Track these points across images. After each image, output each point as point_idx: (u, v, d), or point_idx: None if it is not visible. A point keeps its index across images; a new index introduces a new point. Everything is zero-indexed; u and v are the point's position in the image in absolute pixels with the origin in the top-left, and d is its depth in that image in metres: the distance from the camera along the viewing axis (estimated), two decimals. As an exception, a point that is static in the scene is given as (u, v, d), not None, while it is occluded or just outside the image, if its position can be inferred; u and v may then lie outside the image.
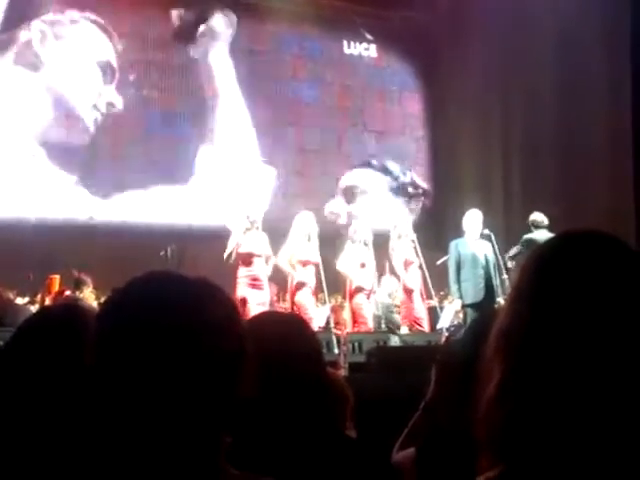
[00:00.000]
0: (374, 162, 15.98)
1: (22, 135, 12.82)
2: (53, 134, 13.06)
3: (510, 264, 9.28)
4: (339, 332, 9.38)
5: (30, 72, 13.00)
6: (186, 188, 13.97)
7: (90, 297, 9.52)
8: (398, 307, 10.70)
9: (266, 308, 8.77)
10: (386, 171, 16.03)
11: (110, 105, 13.55)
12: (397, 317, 10.34)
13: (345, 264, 9.51)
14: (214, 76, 14.59)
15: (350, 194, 15.62)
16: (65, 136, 13.16)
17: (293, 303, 9.03)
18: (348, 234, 9.81)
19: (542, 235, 8.79)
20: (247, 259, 8.78)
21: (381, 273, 10.45)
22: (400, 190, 16.03)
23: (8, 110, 12.79)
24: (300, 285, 9.05)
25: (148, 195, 13.56)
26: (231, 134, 14.49)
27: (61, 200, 12.98)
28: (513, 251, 9.38)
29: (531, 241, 8.89)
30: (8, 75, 12.89)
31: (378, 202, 15.67)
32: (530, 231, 9.25)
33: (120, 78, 13.80)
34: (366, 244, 9.63)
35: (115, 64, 13.77)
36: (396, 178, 16.06)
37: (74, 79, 13.25)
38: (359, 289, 9.51)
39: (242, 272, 8.73)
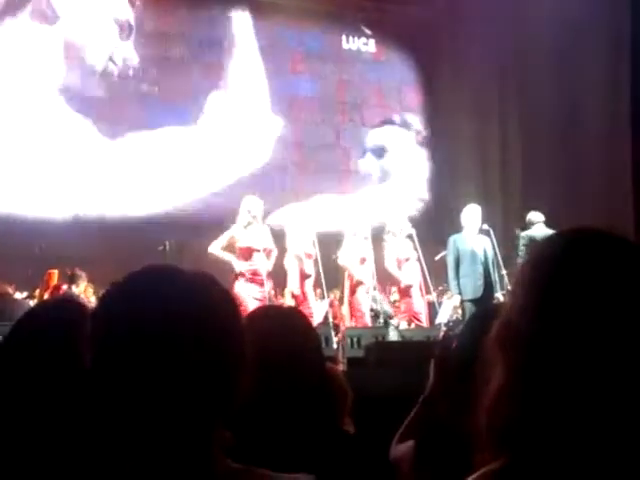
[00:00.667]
0: (395, 118, 16.03)
1: (41, 87, 12.88)
2: (71, 85, 13.13)
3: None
4: (338, 327, 9.39)
5: (46, 26, 13.06)
6: (196, 128, 13.99)
7: (88, 291, 9.53)
8: (394, 302, 10.72)
9: (265, 303, 8.77)
10: (407, 125, 16.11)
11: (126, 60, 13.63)
12: (389, 308, 10.32)
13: (346, 258, 9.51)
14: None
15: (379, 151, 15.69)
16: (81, 87, 13.21)
17: (297, 296, 9.04)
18: (348, 229, 9.79)
19: (540, 231, 8.82)
20: (247, 253, 8.76)
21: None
22: (423, 142, 16.13)
23: (26, 64, 12.85)
24: (301, 279, 9.08)
25: (160, 135, 13.62)
26: (243, 83, 14.57)
27: (60, 196, 12.96)
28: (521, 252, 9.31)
29: (531, 239, 8.91)
30: (25, 31, 12.95)
31: (406, 156, 15.76)
32: (526, 228, 9.26)
33: (137, 35, 13.84)
34: (366, 238, 9.63)
35: (132, 21, 13.80)
36: (418, 132, 16.13)
37: (90, 32, 13.33)
38: (359, 283, 9.51)
39: (241, 266, 8.72)
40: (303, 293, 9.08)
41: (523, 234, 9.18)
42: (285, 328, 2.01)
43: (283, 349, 1.94)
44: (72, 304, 2.07)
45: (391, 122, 16.12)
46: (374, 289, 9.79)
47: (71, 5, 13.37)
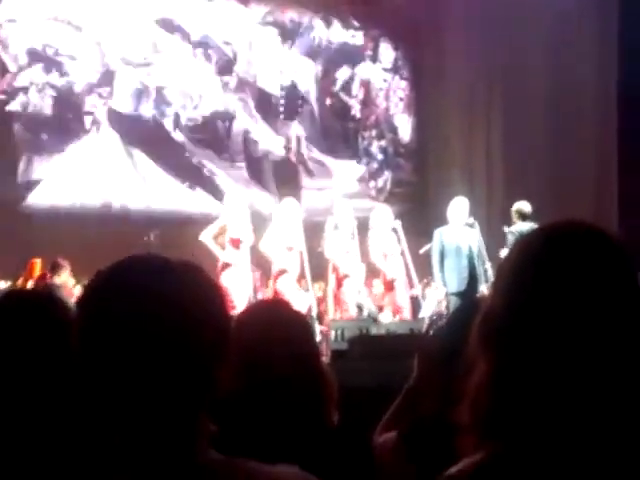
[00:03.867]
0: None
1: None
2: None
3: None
4: (322, 319, 9.40)
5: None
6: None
7: (69, 281, 9.48)
8: (376, 295, 10.72)
9: (249, 294, 8.77)
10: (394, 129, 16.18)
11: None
12: (374, 308, 10.33)
13: (331, 251, 9.49)
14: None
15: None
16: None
17: (275, 290, 9.03)
18: (332, 221, 9.78)
19: (528, 226, 8.79)
20: (235, 244, 8.78)
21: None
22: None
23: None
24: (282, 271, 9.05)
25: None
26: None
27: (43, 185, 12.90)
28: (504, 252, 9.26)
29: (521, 233, 8.82)
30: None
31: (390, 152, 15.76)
32: (513, 222, 9.24)
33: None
34: (350, 230, 9.63)
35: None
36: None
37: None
38: (345, 276, 9.51)
39: (228, 257, 8.72)
40: (284, 284, 9.07)
41: (512, 229, 9.13)
42: (276, 323, 2.01)
43: (275, 343, 1.95)
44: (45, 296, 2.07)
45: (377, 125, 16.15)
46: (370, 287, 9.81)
47: None
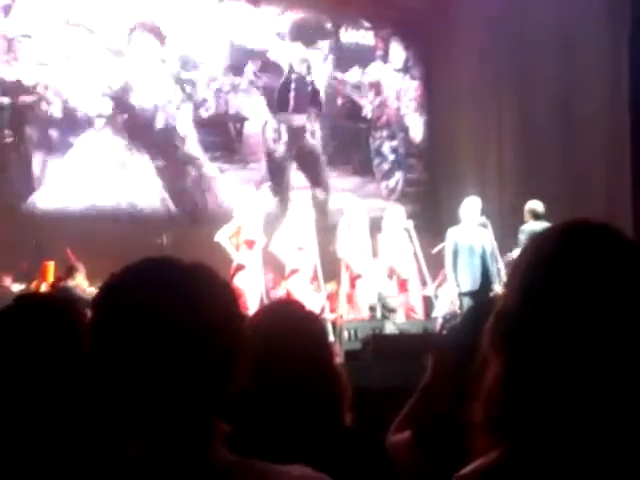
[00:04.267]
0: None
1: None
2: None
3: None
4: (335, 319, 9.40)
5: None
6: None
7: (83, 283, 9.51)
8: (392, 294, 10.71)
9: (262, 295, 8.78)
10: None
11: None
12: (392, 300, 10.33)
13: (344, 250, 9.49)
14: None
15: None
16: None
17: (287, 290, 9.04)
18: (345, 220, 9.77)
19: (543, 226, 8.69)
20: (249, 245, 8.79)
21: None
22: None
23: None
24: (294, 271, 9.06)
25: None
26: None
27: (55, 188, 12.95)
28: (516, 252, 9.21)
29: (533, 232, 8.76)
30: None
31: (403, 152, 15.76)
32: (526, 221, 9.20)
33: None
34: (363, 230, 9.62)
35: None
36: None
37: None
38: (358, 276, 9.51)
39: (242, 258, 8.73)
40: (298, 285, 9.08)
41: (524, 228, 9.08)
42: (292, 324, 2.02)
43: (289, 345, 1.95)
44: (61, 300, 2.07)
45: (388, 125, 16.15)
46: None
47: None
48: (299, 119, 15.20)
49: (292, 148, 15.00)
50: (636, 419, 1.06)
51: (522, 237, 8.99)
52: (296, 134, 15.07)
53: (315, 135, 15.28)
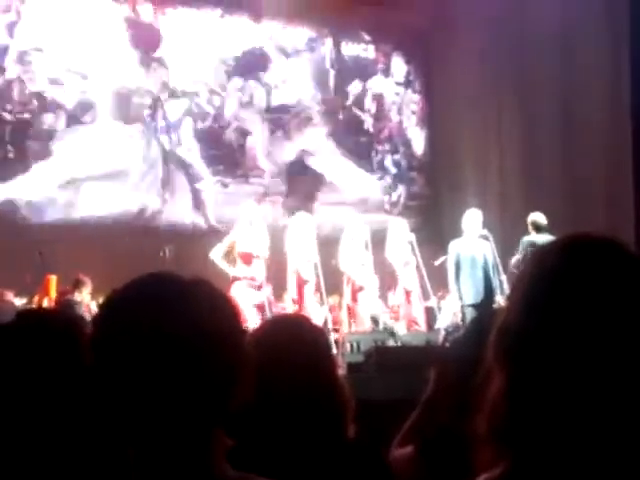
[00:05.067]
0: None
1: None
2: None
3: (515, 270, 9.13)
4: (337, 332, 9.39)
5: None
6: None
7: (86, 298, 9.49)
8: (393, 307, 10.71)
9: (264, 309, 8.77)
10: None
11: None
12: (390, 320, 10.33)
13: (346, 264, 9.50)
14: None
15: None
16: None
17: (297, 301, 9.04)
18: (347, 234, 9.78)
19: (545, 239, 8.67)
20: (246, 258, 8.78)
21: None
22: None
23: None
24: (300, 285, 9.08)
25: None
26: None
27: (61, 200, 12.97)
28: (515, 259, 9.20)
29: (533, 244, 8.75)
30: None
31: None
32: (529, 233, 9.18)
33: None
34: (365, 244, 9.64)
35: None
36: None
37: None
38: (360, 288, 9.52)
39: (240, 272, 8.72)
40: (302, 298, 9.08)
41: (524, 239, 9.08)
42: (296, 337, 2.01)
43: (293, 359, 1.95)
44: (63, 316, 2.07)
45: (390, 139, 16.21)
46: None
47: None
48: (299, 138, 15.25)
49: (291, 165, 15.06)
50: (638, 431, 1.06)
51: (520, 247, 9.02)
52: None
53: (314, 155, 15.31)
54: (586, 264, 1.13)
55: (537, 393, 1.09)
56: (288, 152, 15.15)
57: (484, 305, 8.79)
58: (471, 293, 9.08)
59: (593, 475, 1.06)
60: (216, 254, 8.77)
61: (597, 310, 1.08)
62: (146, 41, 13.96)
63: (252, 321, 8.05)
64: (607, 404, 1.06)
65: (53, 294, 9.79)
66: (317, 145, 15.42)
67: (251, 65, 14.96)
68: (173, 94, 14.19)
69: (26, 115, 13.02)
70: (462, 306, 9.15)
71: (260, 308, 8.74)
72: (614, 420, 1.06)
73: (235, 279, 8.69)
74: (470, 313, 8.90)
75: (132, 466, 1.22)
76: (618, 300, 1.09)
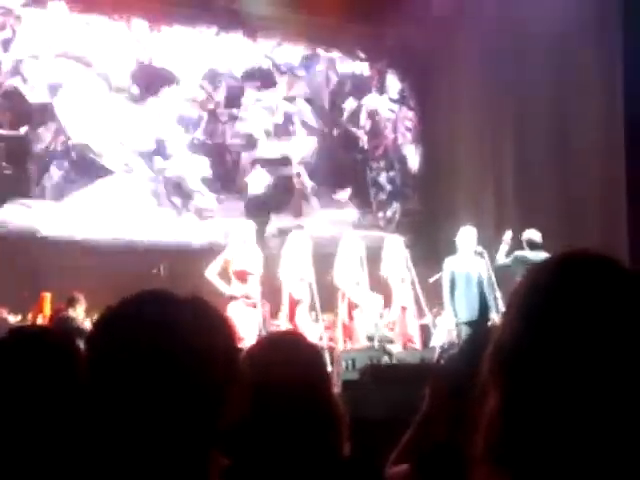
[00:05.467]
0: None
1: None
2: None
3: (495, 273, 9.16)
4: (332, 349, 9.36)
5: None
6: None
7: (81, 315, 9.46)
8: (388, 325, 10.71)
9: (259, 327, 8.75)
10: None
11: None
12: (388, 332, 10.33)
13: (341, 280, 9.49)
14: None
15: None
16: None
17: (292, 319, 9.01)
18: (342, 251, 9.77)
19: (538, 256, 8.69)
20: (241, 276, 8.76)
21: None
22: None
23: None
24: (295, 303, 9.05)
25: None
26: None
27: (56, 218, 12.97)
28: (501, 262, 9.21)
29: (525, 260, 8.77)
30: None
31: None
32: (523, 248, 9.19)
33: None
34: (360, 261, 9.63)
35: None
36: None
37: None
38: (355, 306, 9.50)
39: (235, 290, 8.70)
40: (294, 316, 9.05)
41: (517, 254, 9.08)
42: (291, 355, 2.01)
43: (288, 376, 1.94)
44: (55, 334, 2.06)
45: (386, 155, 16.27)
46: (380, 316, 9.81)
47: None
48: (293, 155, 15.30)
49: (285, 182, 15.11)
50: (634, 450, 1.06)
51: (511, 258, 9.03)
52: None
53: (308, 172, 15.34)
54: (580, 280, 1.13)
55: (532, 409, 1.09)
56: (283, 169, 15.17)
57: (479, 322, 8.78)
58: (466, 310, 9.07)
59: None
60: (211, 272, 8.74)
61: (591, 326, 1.08)
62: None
63: (248, 339, 8.02)
64: (603, 420, 1.06)
65: (47, 311, 9.76)
66: (312, 161, 15.45)
67: (249, 83, 15.03)
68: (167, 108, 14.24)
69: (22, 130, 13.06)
70: (457, 323, 9.14)
71: (255, 326, 8.71)
72: (611, 436, 1.06)
73: (232, 298, 8.67)
74: (465, 330, 8.89)
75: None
76: (612, 316, 1.09)
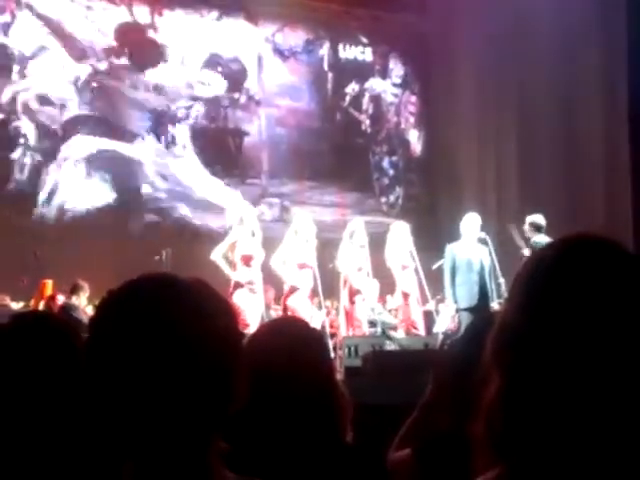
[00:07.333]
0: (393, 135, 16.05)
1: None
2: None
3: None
4: (335, 336, 9.37)
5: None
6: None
7: (84, 302, 9.47)
8: (390, 311, 10.72)
9: (261, 312, 8.74)
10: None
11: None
12: (390, 317, 10.34)
13: (344, 265, 9.47)
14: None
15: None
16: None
17: (285, 307, 8.98)
18: (346, 235, 9.76)
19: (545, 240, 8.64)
20: (247, 261, 8.74)
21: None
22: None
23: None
24: (294, 289, 9.00)
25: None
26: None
27: (56, 203, 12.98)
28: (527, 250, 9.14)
29: (539, 246, 8.70)
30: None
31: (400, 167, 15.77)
32: (529, 232, 9.15)
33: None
34: (362, 246, 9.61)
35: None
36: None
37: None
38: (357, 292, 9.48)
39: (239, 275, 8.69)
40: (299, 302, 9.04)
41: (535, 241, 8.97)
42: (294, 341, 2.01)
43: (291, 362, 1.94)
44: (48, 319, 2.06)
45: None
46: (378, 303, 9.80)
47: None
48: (295, 139, 15.28)
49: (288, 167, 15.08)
50: (637, 435, 1.05)
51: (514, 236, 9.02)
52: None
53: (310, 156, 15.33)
54: (583, 260, 1.13)
55: (533, 392, 1.08)
56: (285, 153, 15.17)
57: (479, 309, 8.75)
58: (465, 297, 9.04)
59: (589, 478, 1.05)
60: (216, 255, 8.73)
61: (593, 308, 1.08)
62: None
63: (253, 325, 8.03)
64: (604, 404, 1.05)
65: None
66: (313, 146, 15.43)
67: (251, 67, 15.00)
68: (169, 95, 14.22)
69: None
70: (457, 310, 9.12)
71: (259, 311, 8.70)
72: (611, 422, 1.05)
73: (237, 285, 8.64)
74: (465, 317, 8.86)
75: (130, 474, 1.20)
76: (614, 298, 1.09)
